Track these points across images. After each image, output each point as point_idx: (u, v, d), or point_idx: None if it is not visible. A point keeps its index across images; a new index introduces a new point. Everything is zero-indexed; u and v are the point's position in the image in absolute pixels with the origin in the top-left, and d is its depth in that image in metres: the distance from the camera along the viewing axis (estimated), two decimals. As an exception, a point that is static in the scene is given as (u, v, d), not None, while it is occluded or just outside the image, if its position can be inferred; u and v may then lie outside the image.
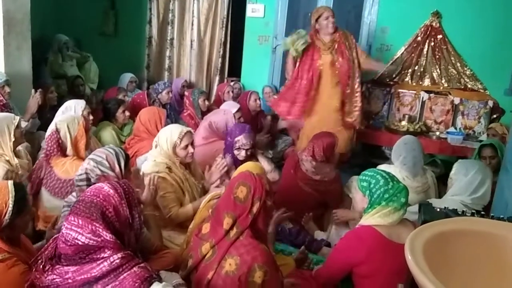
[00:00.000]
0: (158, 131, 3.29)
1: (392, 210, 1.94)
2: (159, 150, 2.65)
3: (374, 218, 1.96)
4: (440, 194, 2.96)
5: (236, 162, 2.93)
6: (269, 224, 2.19)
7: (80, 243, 1.46)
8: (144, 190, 2.27)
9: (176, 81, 5.13)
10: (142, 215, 1.74)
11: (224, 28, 5.53)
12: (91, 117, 3.35)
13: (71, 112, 3.18)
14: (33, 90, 3.44)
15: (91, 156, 2.25)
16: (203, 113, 4.33)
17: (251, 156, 3.07)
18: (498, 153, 3.11)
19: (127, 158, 2.30)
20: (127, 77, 5.15)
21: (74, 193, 2.24)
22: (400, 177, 2.82)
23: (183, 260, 1.97)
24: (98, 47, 5.86)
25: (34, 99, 3.37)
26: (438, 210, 1.98)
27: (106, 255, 1.46)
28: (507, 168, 2.45)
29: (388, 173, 2.03)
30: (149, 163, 2.62)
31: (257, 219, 1.77)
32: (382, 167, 2.99)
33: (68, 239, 1.47)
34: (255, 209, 1.75)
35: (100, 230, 1.47)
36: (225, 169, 2.82)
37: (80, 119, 2.76)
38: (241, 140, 2.99)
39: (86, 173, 2.17)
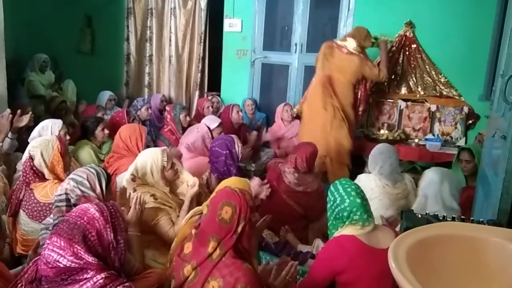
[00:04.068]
0: (138, 148, 3.24)
1: (359, 226, 1.94)
2: (139, 182, 2.48)
3: (346, 231, 1.96)
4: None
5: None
6: (253, 239, 2.15)
7: (61, 265, 1.42)
8: (130, 210, 2.22)
9: (155, 97, 5.09)
10: (126, 238, 1.69)
11: (202, 43, 5.53)
12: (67, 137, 3.27)
13: (47, 132, 3.11)
14: (7, 110, 3.36)
15: (71, 176, 2.19)
16: (184, 129, 4.31)
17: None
18: (475, 158, 3.17)
19: (109, 178, 2.25)
20: (105, 95, 5.08)
21: (52, 215, 2.17)
22: (380, 185, 2.86)
23: (167, 279, 1.92)
24: (75, 65, 5.78)
25: (4, 119, 3.28)
26: (420, 216, 2.00)
27: (89, 275, 1.42)
28: (485, 172, 2.49)
29: (346, 189, 2.00)
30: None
31: (241, 237, 1.72)
32: (362, 176, 3.02)
33: (50, 260, 1.43)
34: (239, 229, 1.71)
35: (82, 253, 1.43)
36: None
37: (54, 143, 2.60)
38: (237, 145, 2.99)
39: (66, 193, 2.12)
